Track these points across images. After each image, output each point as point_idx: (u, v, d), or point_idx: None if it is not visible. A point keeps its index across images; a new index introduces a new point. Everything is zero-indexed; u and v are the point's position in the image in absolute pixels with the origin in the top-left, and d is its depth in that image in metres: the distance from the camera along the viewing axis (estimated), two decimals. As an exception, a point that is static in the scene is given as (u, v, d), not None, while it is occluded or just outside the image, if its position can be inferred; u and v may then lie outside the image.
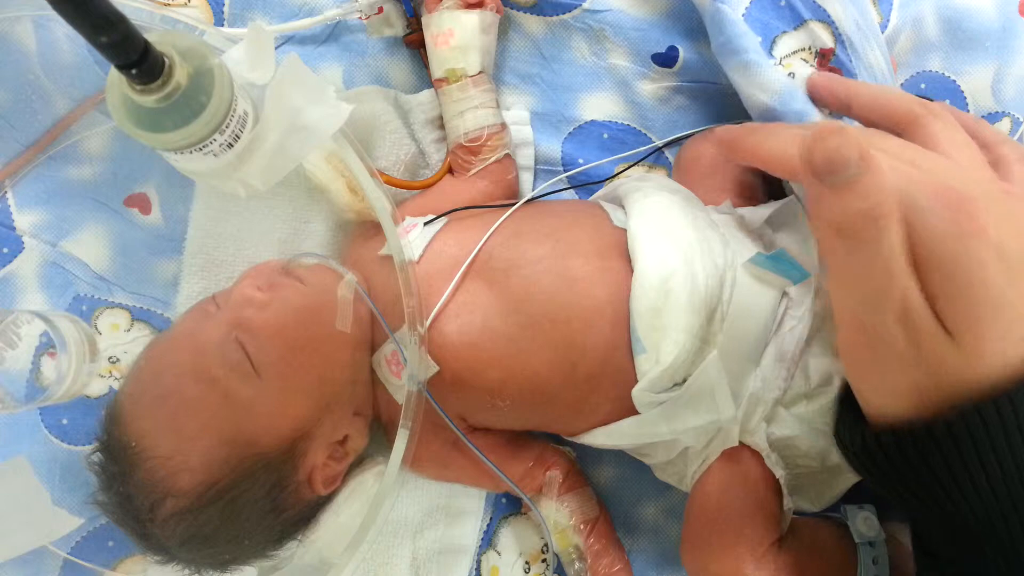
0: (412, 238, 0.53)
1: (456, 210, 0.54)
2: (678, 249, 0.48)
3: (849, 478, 0.51)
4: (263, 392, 0.47)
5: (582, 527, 0.56)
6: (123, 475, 0.48)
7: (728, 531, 0.49)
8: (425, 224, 0.53)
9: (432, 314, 0.50)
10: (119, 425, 0.48)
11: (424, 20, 0.57)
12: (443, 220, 0.54)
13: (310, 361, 0.49)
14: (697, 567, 0.51)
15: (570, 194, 0.62)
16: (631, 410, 0.50)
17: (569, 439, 0.56)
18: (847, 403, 0.38)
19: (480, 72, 0.57)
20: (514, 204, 0.55)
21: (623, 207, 0.54)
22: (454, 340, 0.50)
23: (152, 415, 0.48)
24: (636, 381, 0.48)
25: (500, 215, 0.53)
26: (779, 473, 0.50)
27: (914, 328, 0.32)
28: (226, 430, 0.47)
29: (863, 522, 0.50)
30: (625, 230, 0.51)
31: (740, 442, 0.50)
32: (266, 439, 0.48)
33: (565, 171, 0.61)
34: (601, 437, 0.52)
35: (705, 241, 0.49)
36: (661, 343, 0.47)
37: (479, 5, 0.56)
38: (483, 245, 0.51)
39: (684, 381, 0.48)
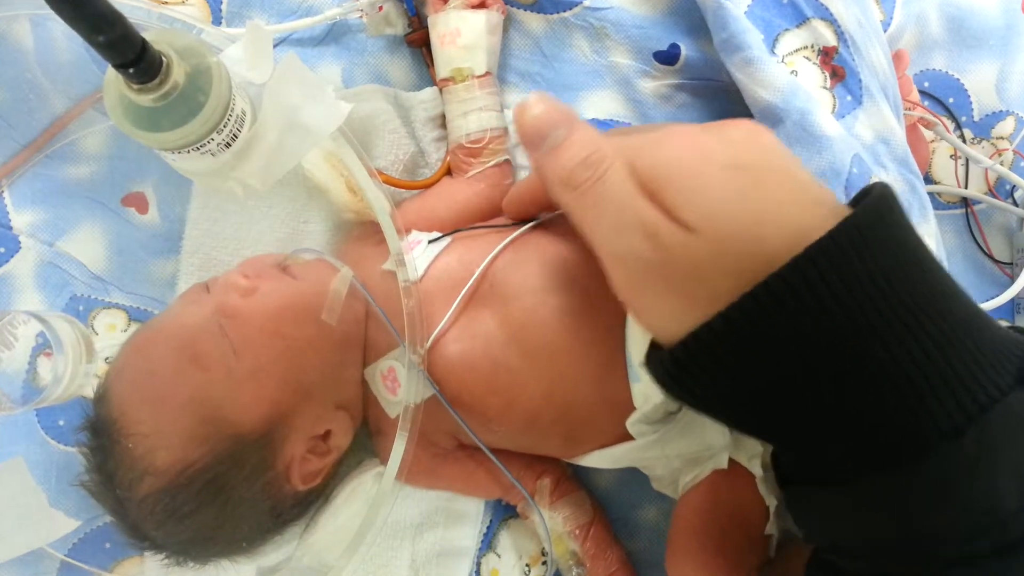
0: (415, 255, 0.52)
1: (461, 230, 0.54)
2: None
3: None
4: (240, 374, 0.48)
5: (577, 532, 0.56)
6: (105, 451, 0.48)
7: (711, 548, 0.49)
8: (430, 242, 0.53)
9: (434, 334, 0.50)
10: (105, 401, 0.49)
11: (430, 20, 0.56)
12: (447, 239, 0.53)
13: (287, 349, 0.49)
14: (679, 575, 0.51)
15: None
16: (627, 436, 0.50)
17: (564, 461, 0.56)
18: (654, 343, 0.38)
19: (487, 73, 0.56)
20: (517, 223, 0.54)
21: None
22: (455, 363, 0.50)
23: (136, 392, 0.48)
24: (633, 408, 0.48)
25: (504, 233, 0.53)
26: (770, 501, 0.50)
27: (657, 236, 0.33)
28: (204, 410, 0.47)
29: None
30: None
31: (737, 463, 0.50)
32: (243, 421, 0.48)
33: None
34: (596, 460, 0.52)
35: None
36: None
37: (483, 5, 0.56)
38: (486, 268, 0.51)
39: (679, 410, 0.48)
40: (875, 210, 0.31)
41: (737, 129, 0.36)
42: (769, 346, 0.31)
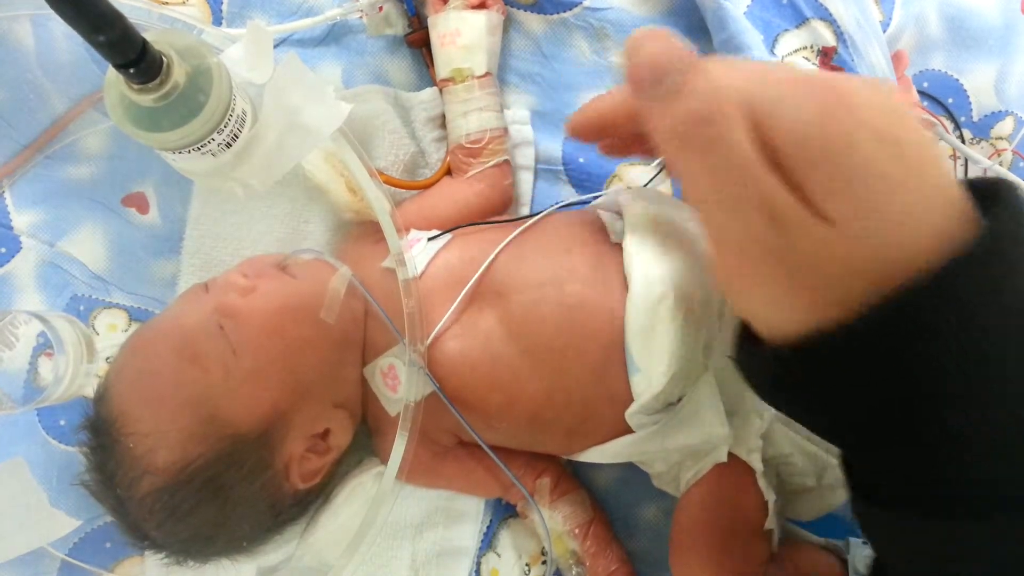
0: (415, 253, 0.52)
1: (461, 227, 0.54)
2: (672, 271, 0.48)
3: (842, 494, 0.51)
4: (239, 374, 0.48)
5: (577, 531, 0.56)
6: (105, 451, 0.49)
7: (715, 543, 0.49)
8: (429, 240, 0.53)
9: (435, 331, 0.50)
10: (105, 401, 0.49)
11: (431, 20, 0.56)
12: (447, 236, 0.53)
13: (287, 348, 0.49)
14: (684, 574, 0.51)
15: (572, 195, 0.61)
16: (627, 429, 0.50)
17: (564, 457, 0.56)
18: (747, 331, 0.32)
19: (487, 73, 0.56)
20: (518, 218, 0.54)
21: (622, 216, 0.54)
22: (455, 360, 0.50)
23: (135, 392, 0.49)
24: (632, 400, 0.48)
25: (504, 230, 0.53)
26: (770, 496, 0.50)
27: (784, 222, 0.28)
28: (203, 409, 0.47)
29: (863, 561, 0.50)
30: (622, 246, 0.50)
31: (737, 457, 0.50)
32: (241, 420, 0.48)
33: (566, 170, 0.61)
34: (596, 455, 0.52)
35: (699, 264, 0.49)
36: (654, 366, 0.47)
37: (483, 6, 0.56)
38: (486, 264, 0.51)
39: (679, 400, 0.48)
40: (1016, 221, 0.27)
41: (883, 94, 0.29)
42: (898, 362, 0.27)
